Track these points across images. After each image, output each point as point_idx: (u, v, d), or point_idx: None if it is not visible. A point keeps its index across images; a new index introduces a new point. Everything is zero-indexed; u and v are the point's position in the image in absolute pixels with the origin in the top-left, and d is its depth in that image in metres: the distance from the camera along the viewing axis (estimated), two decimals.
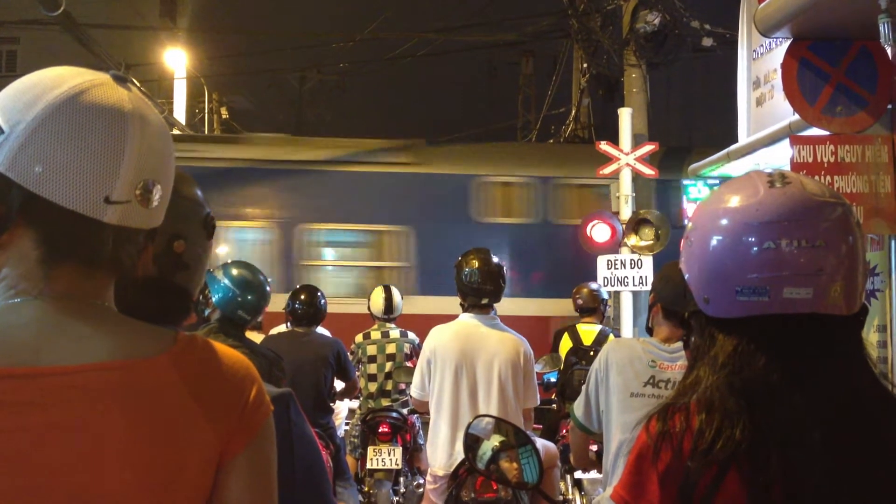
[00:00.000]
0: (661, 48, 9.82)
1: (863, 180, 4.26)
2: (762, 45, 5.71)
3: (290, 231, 9.81)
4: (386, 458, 5.77)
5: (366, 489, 5.80)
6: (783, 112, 4.95)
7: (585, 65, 12.69)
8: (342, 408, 6.57)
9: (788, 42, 4.43)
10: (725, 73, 7.16)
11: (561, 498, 5.19)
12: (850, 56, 4.33)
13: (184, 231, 1.23)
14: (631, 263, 7.60)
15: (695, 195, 8.87)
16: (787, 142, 4.54)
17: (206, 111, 20.06)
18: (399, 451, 5.80)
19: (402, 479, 6.07)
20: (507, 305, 4.82)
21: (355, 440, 6.17)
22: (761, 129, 5.47)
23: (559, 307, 8.43)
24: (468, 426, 2.80)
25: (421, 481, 5.95)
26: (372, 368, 6.08)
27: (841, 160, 4.27)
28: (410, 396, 4.45)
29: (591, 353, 5.64)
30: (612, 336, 5.84)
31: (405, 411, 5.98)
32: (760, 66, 5.79)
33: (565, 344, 5.97)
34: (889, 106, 4.30)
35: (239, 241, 10.17)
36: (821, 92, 4.32)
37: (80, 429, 0.91)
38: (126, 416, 0.93)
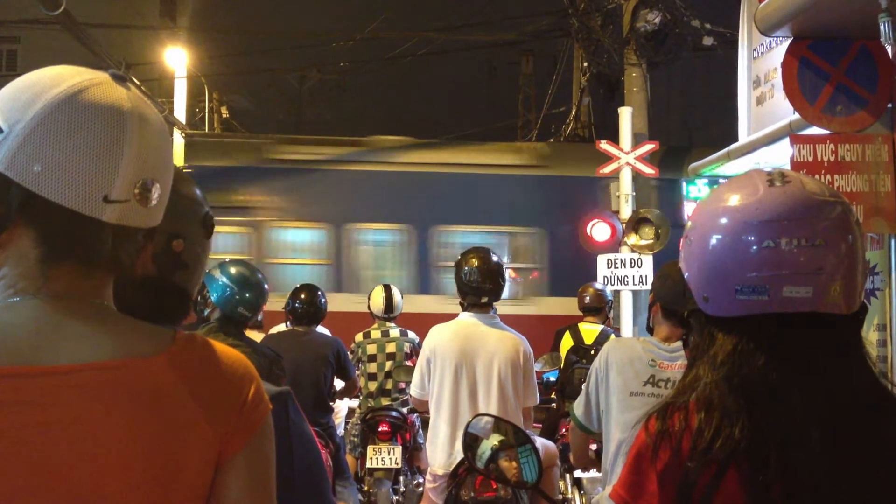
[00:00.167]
0: (662, 47, 9.81)
1: (863, 179, 4.25)
2: (762, 45, 5.71)
3: (425, 233, 10.10)
4: (386, 457, 5.77)
5: (365, 488, 5.80)
6: (783, 111, 4.95)
7: (586, 64, 12.69)
8: (342, 407, 6.57)
9: (789, 41, 4.43)
10: (726, 72, 7.16)
11: (560, 497, 5.19)
12: (850, 55, 4.33)
13: (183, 230, 1.23)
14: (631, 262, 7.60)
15: (695, 194, 8.87)
16: (787, 141, 4.54)
17: (207, 110, 20.06)
18: (399, 450, 5.80)
19: (401, 479, 6.07)
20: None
21: (355, 439, 6.17)
22: (761, 128, 5.47)
23: None
24: (467, 425, 2.80)
25: (421, 480, 5.95)
26: (372, 367, 6.08)
27: (841, 159, 4.27)
28: (410, 395, 4.45)
29: (592, 352, 5.63)
30: (612, 336, 5.83)
31: (405, 410, 5.98)
32: (761, 65, 5.79)
33: (566, 342, 5.97)
34: (889, 105, 4.30)
35: (375, 242, 10.50)
36: (821, 91, 4.32)
37: (79, 428, 0.91)
38: (125, 415, 0.93)
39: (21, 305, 0.96)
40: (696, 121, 17.14)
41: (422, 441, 5.98)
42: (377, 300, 6.24)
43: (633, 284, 7.62)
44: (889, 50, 4.21)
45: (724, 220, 1.26)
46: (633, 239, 7.38)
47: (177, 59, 16.80)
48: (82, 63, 1.05)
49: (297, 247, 10.65)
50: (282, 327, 5.95)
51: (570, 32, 12.82)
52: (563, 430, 5.59)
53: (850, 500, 1.17)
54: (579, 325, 6.08)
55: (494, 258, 4.07)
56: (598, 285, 6.61)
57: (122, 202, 0.97)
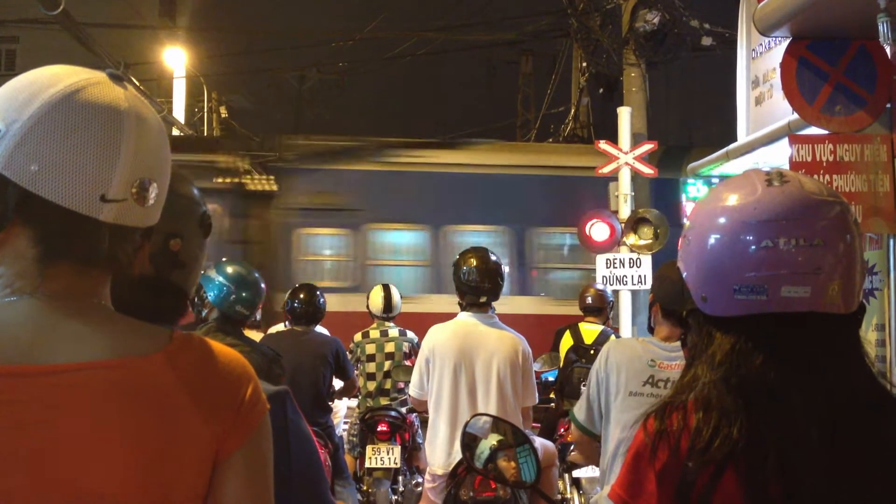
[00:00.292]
0: (661, 47, 9.82)
1: (861, 179, 4.25)
2: (761, 45, 5.71)
3: (522, 235, 10.26)
4: (385, 456, 5.77)
5: (364, 488, 5.80)
6: (782, 111, 4.95)
7: (585, 64, 12.70)
8: (341, 406, 6.57)
9: (787, 41, 4.43)
10: (724, 72, 7.16)
11: (559, 497, 5.19)
12: (848, 55, 4.32)
13: (180, 229, 1.23)
14: (630, 262, 7.61)
15: (693, 194, 8.85)
16: (786, 141, 4.54)
17: (206, 110, 20.06)
18: (398, 449, 5.80)
19: (400, 478, 6.07)
20: None
21: (354, 439, 6.17)
22: (760, 128, 5.47)
23: None
24: (465, 425, 2.80)
25: (420, 480, 5.95)
26: (371, 367, 6.08)
27: (840, 159, 4.27)
28: (409, 395, 4.45)
29: (592, 351, 5.64)
30: (612, 337, 5.84)
31: (404, 410, 5.98)
32: (759, 65, 5.79)
33: (566, 342, 5.97)
34: (888, 105, 4.30)
35: (474, 244, 10.57)
36: (820, 91, 4.31)
37: (76, 427, 0.91)
38: (122, 414, 0.93)
39: (18, 305, 0.96)
40: (694, 121, 17.15)
41: (421, 441, 5.98)
42: (376, 300, 6.24)
43: (632, 284, 7.63)
44: (888, 50, 4.21)
45: (722, 220, 1.26)
46: (631, 239, 7.38)
47: (176, 58, 16.81)
48: (81, 63, 1.05)
49: (397, 248, 10.82)
50: (280, 327, 5.95)
51: (569, 32, 12.83)
52: (562, 429, 5.59)
53: (850, 500, 1.17)
54: (580, 324, 6.09)
55: (493, 258, 4.08)
56: (600, 286, 6.62)
57: (120, 201, 0.97)
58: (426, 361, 4.01)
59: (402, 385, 5.87)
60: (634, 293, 7.81)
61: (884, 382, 1.25)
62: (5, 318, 0.95)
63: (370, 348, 6.10)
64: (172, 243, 1.22)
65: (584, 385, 5.48)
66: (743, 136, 5.94)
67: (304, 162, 10.38)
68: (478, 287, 3.98)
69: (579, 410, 3.06)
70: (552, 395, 6.00)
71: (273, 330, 5.88)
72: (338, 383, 5.70)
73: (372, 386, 6.05)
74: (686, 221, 1.36)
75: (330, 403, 5.57)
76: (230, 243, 9.77)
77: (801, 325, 1.22)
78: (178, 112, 17.00)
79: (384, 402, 6.02)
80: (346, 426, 6.50)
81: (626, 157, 7.94)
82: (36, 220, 0.96)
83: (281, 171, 10.23)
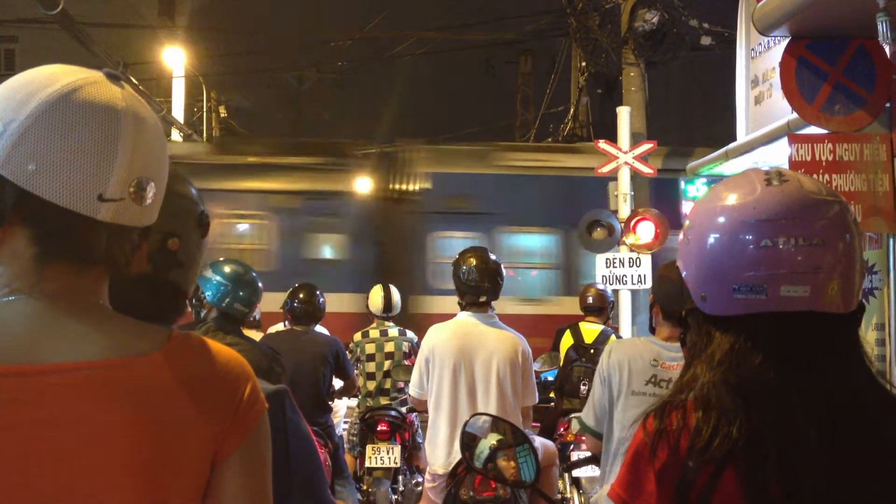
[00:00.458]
0: (660, 47, 9.83)
1: (861, 179, 4.25)
2: (760, 44, 5.71)
3: None
4: (384, 456, 5.77)
5: (364, 487, 5.80)
6: (781, 110, 4.96)
7: (584, 63, 12.69)
8: (341, 406, 6.57)
9: (787, 41, 4.43)
10: (724, 71, 7.16)
11: (559, 496, 5.19)
12: (848, 55, 4.32)
13: (178, 229, 1.23)
14: (629, 262, 7.61)
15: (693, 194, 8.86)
16: (785, 140, 4.54)
17: (205, 110, 20.04)
18: (398, 449, 5.80)
19: (400, 478, 6.07)
20: None
21: (354, 438, 6.17)
22: (760, 128, 5.48)
23: None
24: (465, 424, 2.79)
25: (420, 480, 5.95)
26: (370, 367, 6.08)
27: (839, 159, 4.27)
28: (409, 395, 4.45)
29: (592, 351, 5.64)
30: (613, 337, 5.84)
31: (404, 410, 5.98)
32: (759, 64, 5.80)
33: (566, 341, 5.97)
34: (887, 104, 4.30)
35: None
36: (819, 90, 4.31)
37: (73, 427, 0.91)
38: (119, 414, 0.92)
39: (16, 304, 0.96)
40: (694, 120, 17.15)
41: (420, 440, 5.98)
42: (376, 299, 6.24)
43: (632, 284, 7.63)
44: (887, 49, 4.21)
45: (721, 220, 1.25)
46: (631, 238, 7.38)
47: (175, 58, 16.81)
48: (80, 62, 1.05)
49: (527, 252, 11.06)
50: (280, 327, 5.95)
51: (568, 32, 12.83)
52: (562, 429, 5.59)
53: (850, 500, 1.16)
54: (580, 324, 6.09)
55: (493, 257, 4.08)
56: (600, 285, 6.62)
57: (117, 201, 0.97)
58: (426, 361, 4.01)
59: (401, 385, 5.87)
60: (634, 293, 7.82)
61: (883, 382, 1.25)
62: (3, 317, 0.95)
63: (370, 348, 6.10)
64: (170, 243, 1.22)
65: (583, 384, 5.52)
66: (742, 136, 5.94)
67: (435, 166, 10.67)
68: (477, 287, 3.98)
69: (586, 414, 3.05)
70: (552, 395, 6.00)
71: (273, 329, 5.88)
72: (338, 383, 5.70)
73: (372, 385, 6.05)
74: (685, 221, 1.36)
75: (330, 403, 5.56)
76: (370, 245, 10.13)
77: (801, 325, 1.22)
78: (178, 112, 16.98)
79: (384, 401, 6.02)
80: (346, 426, 6.50)
81: (625, 157, 7.94)
82: (34, 220, 0.95)
83: (413, 176, 10.53)
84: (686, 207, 8.23)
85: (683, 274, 1.32)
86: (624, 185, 7.94)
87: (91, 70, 1.01)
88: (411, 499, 6.05)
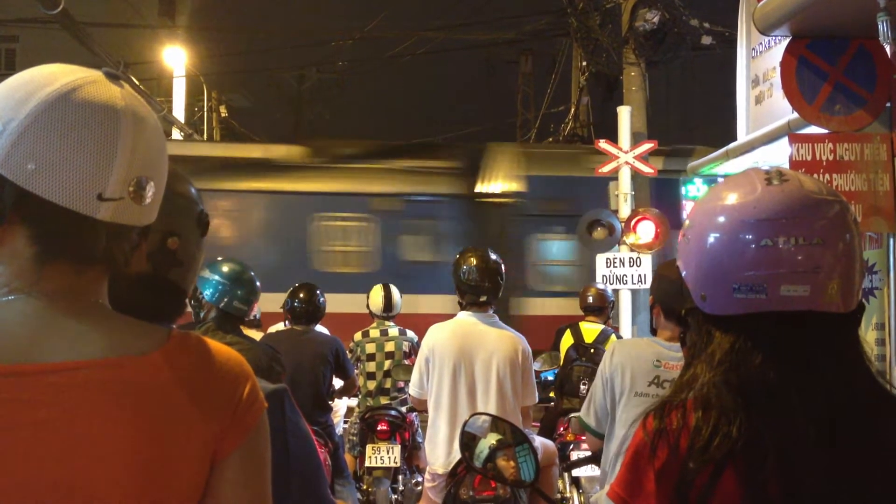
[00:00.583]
0: (661, 46, 9.82)
1: (861, 178, 4.25)
2: (761, 44, 5.71)
3: None
4: (384, 455, 5.77)
5: (364, 487, 5.80)
6: (782, 110, 4.95)
7: (584, 63, 12.69)
8: (341, 406, 6.57)
9: (787, 40, 4.43)
10: (724, 71, 7.16)
11: (559, 496, 5.19)
12: (848, 54, 4.32)
13: (178, 228, 1.23)
14: (630, 262, 7.61)
15: (693, 193, 8.86)
16: (785, 140, 4.54)
17: (205, 110, 20.06)
18: (398, 449, 5.80)
19: (400, 478, 6.07)
20: None
21: (354, 438, 6.17)
22: (760, 128, 5.47)
23: None
24: (464, 424, 2.79)
25: (419, 479, 5.95)
26: (371, 366, 6.08)
27: (839, 158, 4.27)
28: (409, 394, 4.45)
29: (592, 350, 5.64)
30: (613, 336, 5.84)
31: (404, 409, 5.98)
32: (759, 64, 5.79)
33: (566, 340, 5.97)
34: (887, 104, 4.30)
35: None
36: (819, 90, 4.31)
37: (72, 426, 0.91)
38: (118, 413, 0.92)
39: (16, 304, 0.96)
40: (694, 120, 17.15)
41: (421, 440, 5.97)
42: (376, 299, 6.24)
43: (632, 283, 7.62)
44: (887, 49, 4.21)
45: (721, 219, 1.25)
46: (631, 238, 7.38)
47: (175, 58, 16.82)
48: (81, 62, 1.05)
49: None
50: (280, 326, 5.94)
51: (568, 32, 12.83)
52: (562, 428, 5.59)
53: (849, 500, 1.16)
54: (580, 323, 6.09)
55: (493, 257, 4.07)
56: (601, 285, 6.62)
57: (117, 200, 0.97)
58: (426, 361, 4.01)
59: (402, 384, 5.87)
60: (634, 292, 7.81)
61: (883, 382, 1.25)
62: (3, 317, 0.95)
63: (370, 347, 6.10)
64: (170, 242, 1.22)
65: (583, 384, 5.51)
66: (743, 136, 5.94)
67: (532, 169, 10.80)
68: (478, 286, 3.98)
69: (588, 416, 3.04)
70: (552, 394, 6.00)
71: (273, 329, 5.87)
72: (338, 382, 5.70)
73: (372, 385, 6.05)
74: (685, 220, 1.36)
75: (330, 402, 5.56)
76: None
77: (801, 324, 1.22)
78: (178, 111, 16.99)
79: (384, 401, 6.02)
80: (346, 425, 6.50)
81: (625, 157, 7.94)
82: (33, 219, 0.95)
83: (512, 178, 10.67)
84: (686, 207, 8.27)
85: (683, 273, 1.32)
86: (624, 184, 7.94)
87: (90, 69, 1.01)
88: (411, 498, 6.05)
